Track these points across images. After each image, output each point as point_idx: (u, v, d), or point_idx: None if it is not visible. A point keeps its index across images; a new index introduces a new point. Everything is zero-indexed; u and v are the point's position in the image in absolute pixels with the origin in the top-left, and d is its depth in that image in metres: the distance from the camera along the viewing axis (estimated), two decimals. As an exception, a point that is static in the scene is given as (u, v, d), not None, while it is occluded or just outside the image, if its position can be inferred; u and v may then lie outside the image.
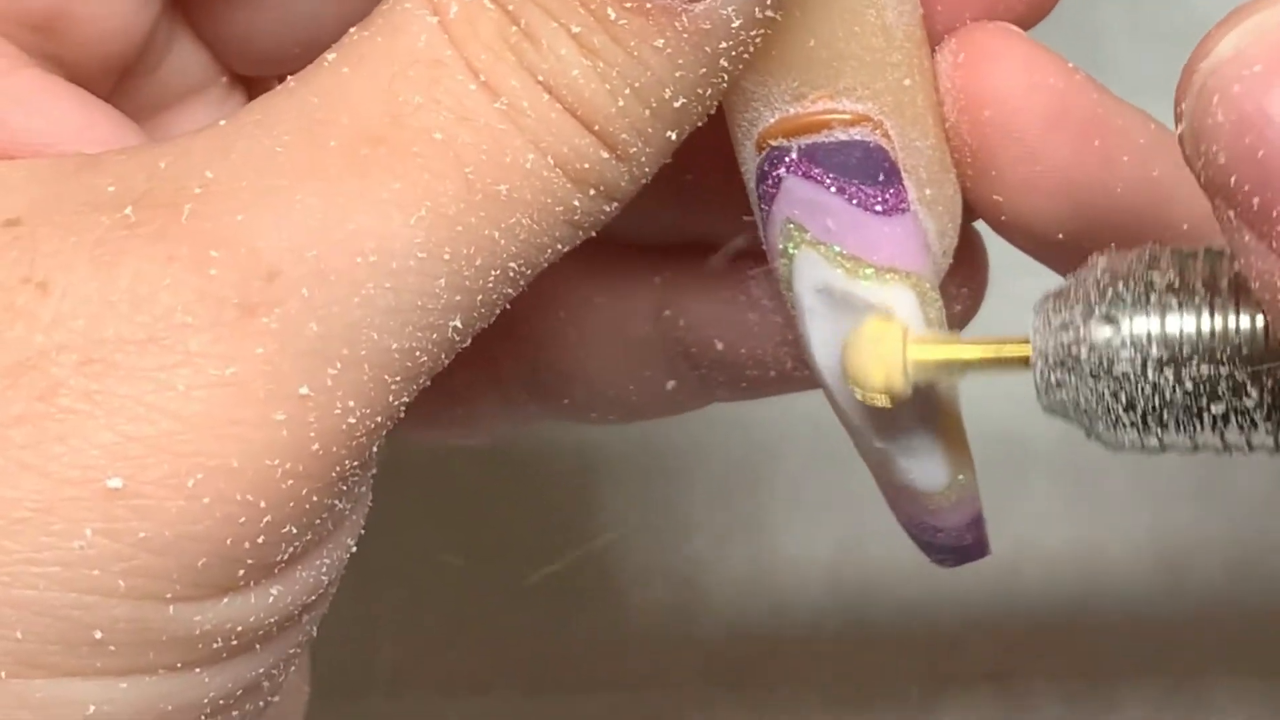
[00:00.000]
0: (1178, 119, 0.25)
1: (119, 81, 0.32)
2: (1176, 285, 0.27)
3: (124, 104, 0.32)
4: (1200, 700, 0.50)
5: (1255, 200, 0.23)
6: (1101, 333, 0.27)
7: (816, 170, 0.29)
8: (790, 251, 0.29)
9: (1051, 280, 0.31)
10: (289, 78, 0.27)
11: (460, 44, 0.26)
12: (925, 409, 0.30)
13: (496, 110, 0.26)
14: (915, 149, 0.30)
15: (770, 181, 0.29)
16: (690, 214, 0.34)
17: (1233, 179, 0.24)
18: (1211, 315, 0.26)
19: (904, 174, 0.29)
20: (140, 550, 0.25)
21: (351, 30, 0.27)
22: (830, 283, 0.29)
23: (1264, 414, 0.26)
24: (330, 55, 0.27)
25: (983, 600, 0.50)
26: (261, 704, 0.29)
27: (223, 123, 0.27)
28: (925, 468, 0.31)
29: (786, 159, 0.29)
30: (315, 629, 0.29)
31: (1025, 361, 0.28)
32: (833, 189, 0.29)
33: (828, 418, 0.32)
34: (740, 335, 0.34)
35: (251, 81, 0.34)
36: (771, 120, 0.29)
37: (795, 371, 0.34)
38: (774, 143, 0.29)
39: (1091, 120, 0.30)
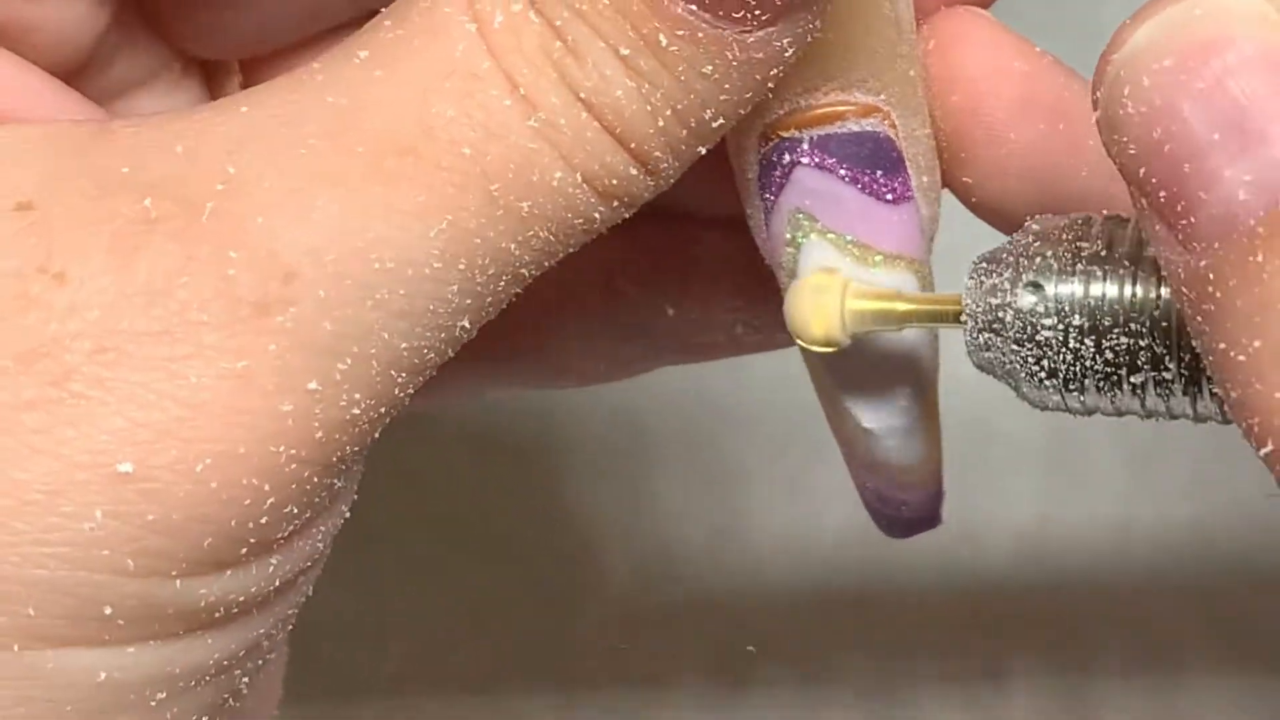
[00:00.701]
0: (1095, 106, 0.25)
1: (72, 77, 0.32)
2: (1103, 255, 0.27)
3: (83, 90, 0.32)
4: (1189, 694, 0.50)
5: (1163, 193, 0.24)
6: (1026, 299, 0.27)
7: (830, 160, 0.29)
8: (799, 240, 0.30)
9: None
10: (313, 65, 0.27)
11: (500, 55, 0.26)
12: (914, 386, 0.31)
13: (529, 128, 0.26)
14: (916, 138, 0.30)
15: (779, 171, 0.29)
16: None
17: (1142, 170, 0.24)
18: (1134, 286, 0.26)
19: (907, 162, 0.30)
20: (148, 532, 0.26)
21: (385, 23, 0.27)
22: (839, 270, 0.29)
23: (1181, 386, 0.27)
24: (362, 52, 0.27)
25: (980, 596, 0.50)
26: (261, 661, 0.29)
27: (244, 109, 0.27)
28: (906, 444, 0.32)
29: (798, 149, 0.29)
30: (311, 589, 0.30)
31: (958, 318, 0.28)
32: (846, 179, 0.29)
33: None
34: (690, 301, 0.34)
35: (207, 63, 0.34)
36: (781, 112, 0.29)
37: (745, 336, 0.35)
38: (785, 134, 0.29)
39: (1058, 104, 0.30)
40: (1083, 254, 0.27)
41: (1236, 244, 0.23)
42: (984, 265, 0.28)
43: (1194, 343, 0.24)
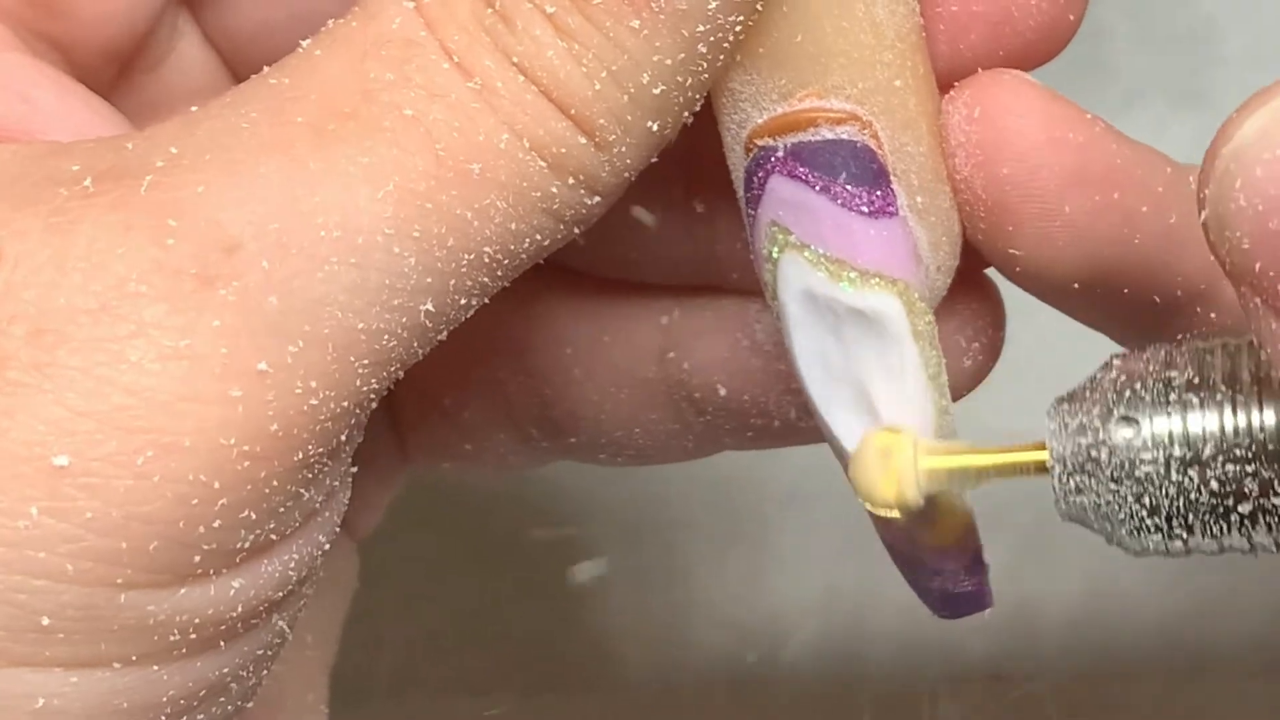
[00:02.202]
0: (1201, 205, 0.24)
1: (120, 75, 0.31)
2: (1196, 382, 0.26)
3: (125, 100, 0.32)
4: (1201, 700, 0.50)
5: None
6: (1122, 434, 0.26)
7: (802, 169, 0.28)
8: (775, 256, 0.29)
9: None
10: (265, 67, 0.27)
11: (435, 25, 0.26)
12: None
13: (470, 89, 0.26)
14: (906, 153, 0.29)
15: (756, 183, 0.29)
16: (696, 252, 0.33)
17: (1258, 265, 0.23)
18: (1234, 411, 0.25)
19: (894, 178, 0.29)
20: (87, 531, 0.24)
21: (329, 21, 0.27)
22: (813, 288, 0.28)
23: None
24: (304, 42, 0.27)
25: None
26: (230, 708, 0.28)
27: (194, 108, 0.27)
28: (928, 519, 0.30)
29: (772, 158, 0.28)
30: (291, 630, 0.28)
31: (1041, 467, 0.27)
32: (817, 188, 0.28)
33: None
34: (743, 381, 0.33)
35: None
36: (760, 121, 0.28)
37: (800, 422, 0.33)
38: (761, 143, 0.28)
39: (1111, 173, 0.29)
40: (1174, 383, 0.26)
41: None
42: (1066, 406, 0.27)
43: None
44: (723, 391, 0.33)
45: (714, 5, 0.26)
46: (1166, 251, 0.29)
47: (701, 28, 0.26)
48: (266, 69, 0.27)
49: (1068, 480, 0.27)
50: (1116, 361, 0.27)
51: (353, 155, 0.25)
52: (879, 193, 0.28)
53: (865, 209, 0.28)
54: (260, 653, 0.28)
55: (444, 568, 0.52)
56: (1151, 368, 0.26)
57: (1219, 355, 0.26)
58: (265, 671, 0.28)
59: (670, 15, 0.26)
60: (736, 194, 0.30)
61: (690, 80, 0.26)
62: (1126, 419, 0.26)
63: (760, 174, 0.29)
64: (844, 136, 0.28)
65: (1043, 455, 0.27)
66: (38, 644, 0.25)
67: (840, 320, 0.29)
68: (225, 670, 0.27)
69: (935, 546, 0.30)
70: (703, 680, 0.51)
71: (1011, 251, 0.29)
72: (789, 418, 0.33)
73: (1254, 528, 0.26)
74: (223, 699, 0.27)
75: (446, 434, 0.32)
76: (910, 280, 0.29)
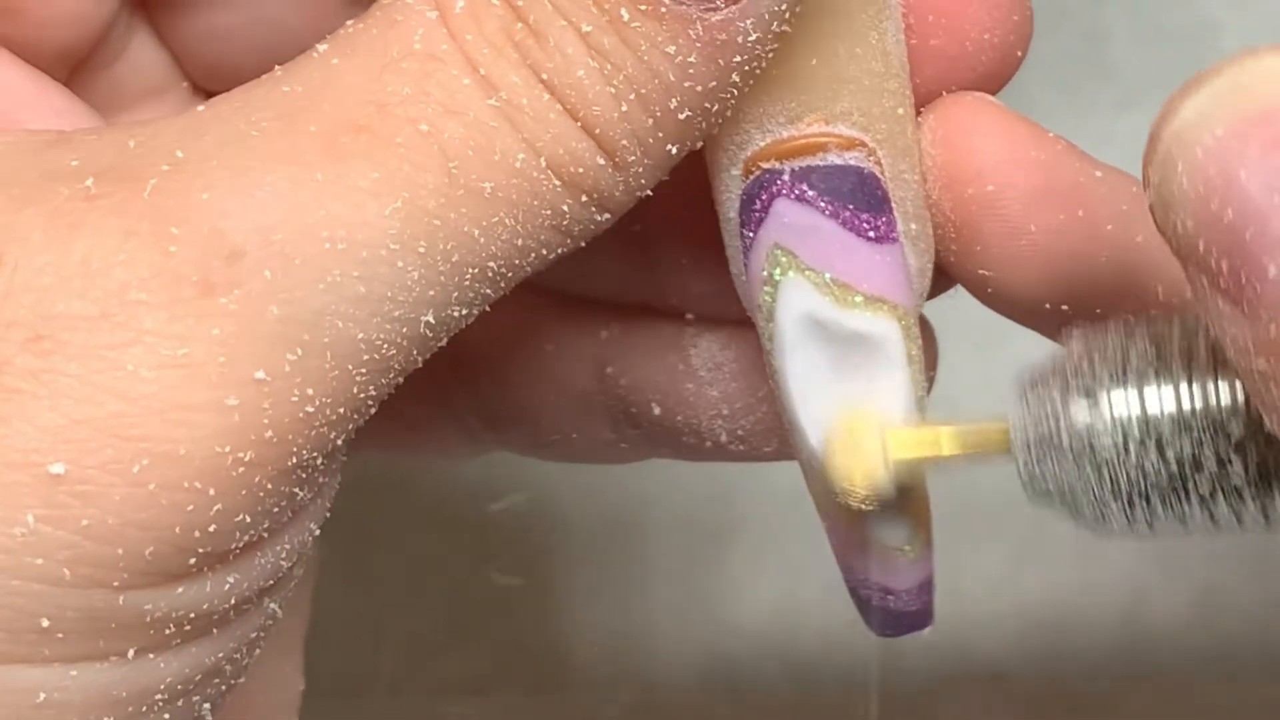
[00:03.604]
0: (1146, 187, 0.24)
1: (74, 73, 0.31)
2: (1154, 359, 0.26)
3: (80, 97, 0.31)
4: (1202, 700, 0.50)
5: (1225, 265, 0.23)
6: (1081, 415, 0.26)
7: (810, 193, 0.28)
8: (776, 278, 0.28)
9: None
10: (275, 67, 0.27)
11: (460, 38, 0.26)
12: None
13: (489, 107, 0.25)
14: (904, 181, 0.29)
15: (758, 205, 0.28)
16: (636, 270, 0.34)
17: (1201, 245, 0.23)
18: (1190, 388, 0.25)
19: (894, 205, 0.29)
20: (84, 538, 0.24)
21: (348, 23, 0.27)
22: (816, 311, 0.28)
23: (1251, 489, 0.25)
24: (321, 46, 0.26)
25: (983, 600, 0.50)
26: (224, 687, 0.28)
27: (201, 108, 0.27)
28: (892, 519, 0.30)
29: (778, 181, 0.28)
30: (282, 611, 0.28)
31: (1008, 448, 0.27)
32: (826, 212, 0.28)
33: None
34: (676, 403, 0.34)
35: (214, 95, 0.33)
36: (763, 143, 0.28)
37: (730, 445, 0.34)
38: (765, 165, 0.28)
39: (1075, 190, 0.29)
40: (1132, 362, 0.26)
41: None
42: (1029, 385, 0.27)
43: (1266, 421, 0.23)
44: (656, 410, 0.34)
45: (754, 37, 0.26)
46: (1136, 268, 0.30)
47: (739, 58, 0.26)
48: (278, 70, 0.27)
49: (1031, 461, 0.26)
50: (1076, 339, 0.27)
51: (363, 169, 0.25)
52: (884, 219, 0.29)
53: (872, 234, 0.28)
54: (254, 635, 0.28)
55: (444, 568, 0.52)
56: (1111, 345, 0.26)
57: (1175, 332, 0.26)
58: (258, 651, 0.28)
59: (708, 44, 0.26)
60: (719, 212, 0.29)
61: (717, 107, 0.26)
62: (1086, 399, 0.26)
63: (764, 196, 0.28)
64: (852, 162, 0.28)
65: (1006, 435, 0.27)
66: (37, 644, 0.25)
67: (838, 343, 0.29)
68: (220, 654, 0.27)
69: (896, 567, 0.31)
70: (703, 680, 0.51)
71: (981, 272, 0.30)
72: (720, 440, 0.34)
73: (1214, 503, 0.26)
74: (217, 680, 0.27)
75: (389, 424, 0.32)
76: (908, 306, 0.29)
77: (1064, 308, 0.29)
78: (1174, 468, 0.26)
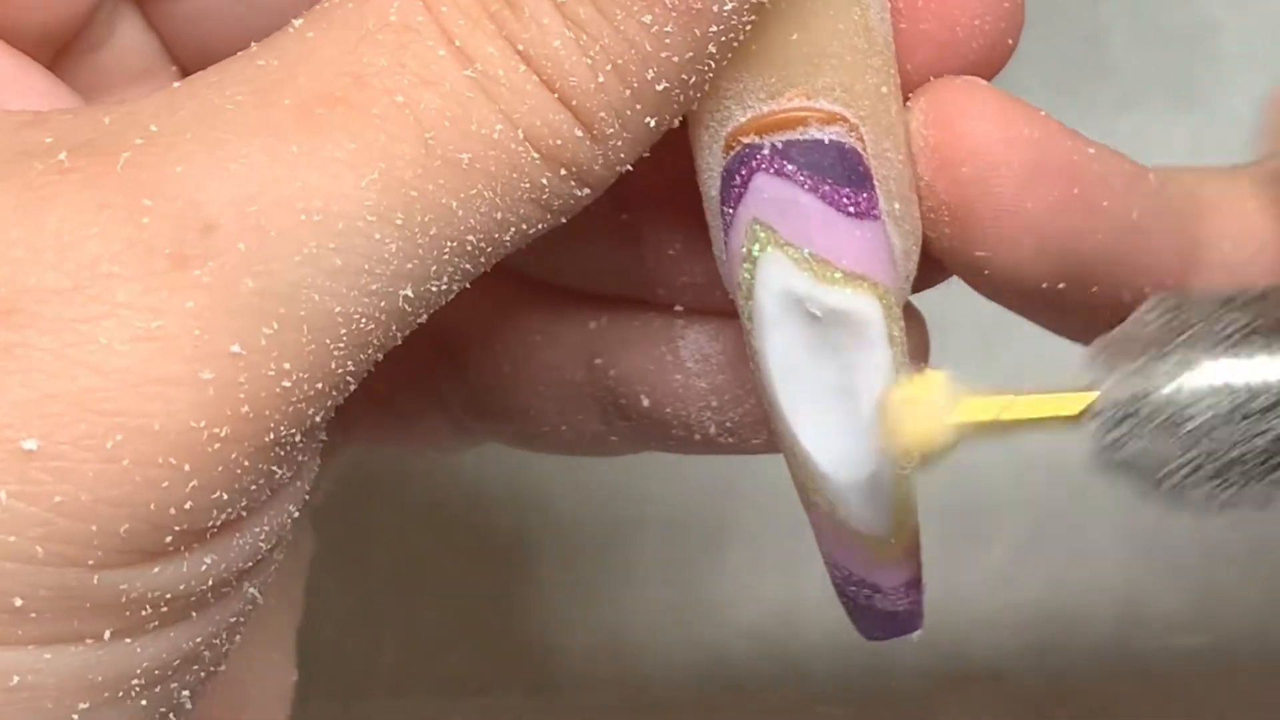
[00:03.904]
0: (1268, 156, 0.23)
1: (59, 57, 0.31)
2: (1252, 330, 0.25)
3: (65, 82, 0.31)
4: (1203, 700, 0.50)
5: None
6: (1172, 383, 0.25)
7: (790, 168, 0.28)
8: (755, 254, 0.28)
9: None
10: (251, 43, 0.27)
11: (435, 9, 0.25)
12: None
13: (466, 77, 0.25)
14: (887, 159, 0.29)
15: (738, 181, 0.28)
16: (624, 261, 0.33)
17: None
18: None
19: (876, 182, 0.28)
20: (57, 515, 0.24)
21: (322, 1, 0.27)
22: (795, 287, 0.28)
23: None
24: (297, 21, 0.26)
25: (983, 600, 0.50)
26: (203, 674, 0.28)
27: (177, 85, 0.27)
28: (876, 510, 0.29)
29: (758, 156, 0.28)
30: (262, 596, 0.28)
31: (1083, 416, 0.25)
32: (805, 186, 0.28)
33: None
34: (665, 394, 0.33)
35: None
36: (744, 118, 0.28)
37: (719, 438, 0.33)
38: (745, 140, 0.28)
39: (1069, 168, 0.29)
40: (1225, 330, 0.25)
41: None
42: (1112, 348, 0.26)
43: None
44: (645, 402, 0.34)
45: (729, 6, 0.26)
46: (1131, 246, 0.30)
47: (714, 28, 0.26)
48: (254, 45, 0.26)
49: (1113, 429, 0.25)
50: (1166, 302, 0.26)
51: (339, 140, 0.25)
52: (864, 195, 0.28)
53: (851, 210, 0.28)
54: (233, 620, 0.28)
55: (444, 567, 0.52)
56: (1204, 313, 0.25)
57: (1274, 302, 0.25)
58: (238, 636, 0.28)
59: (683, 13, 0.26)
60: (703, 191, 0.29)
61: (694, 79, 0.26)
62: (1177, 368, 0.25)
63: (743, 171, 0.28)
64: (832, 137, 0.28)
65: (1087, 401, 0.26)
66: (10, 624, 0.25)
67: (817, 322, 0.28)
68: (199, 639, 0.27)
69: (882, 561, 0.30)
70: (703, 679, 0.51)
71: (977, 254, 0.29)
72: (709, 433, 0.33)
73: None
74: (196, 666, 0.27)
75: (379, 417, 0.32)
76: (889, 285, 0.29)
77: (1060, 287, 0.29)
78: (1265, 444, 0.24)
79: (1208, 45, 0.51)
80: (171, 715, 0.27)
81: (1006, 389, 0.27)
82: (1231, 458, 0.25)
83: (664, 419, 0.34)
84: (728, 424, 0.33)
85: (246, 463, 0.25)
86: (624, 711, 0.51)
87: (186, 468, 0.25)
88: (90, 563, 0.25)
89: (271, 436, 0.25)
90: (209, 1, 0.32)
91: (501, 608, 0.52)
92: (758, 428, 0.33)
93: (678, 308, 0.33)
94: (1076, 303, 0.30)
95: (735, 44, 0.26)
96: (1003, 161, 0.29)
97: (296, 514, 0.28)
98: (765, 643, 0.51)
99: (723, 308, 0.31)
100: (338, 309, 0.25)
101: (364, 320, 0.26)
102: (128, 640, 0.26)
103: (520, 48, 0.25)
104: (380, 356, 0.26)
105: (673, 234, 0.33)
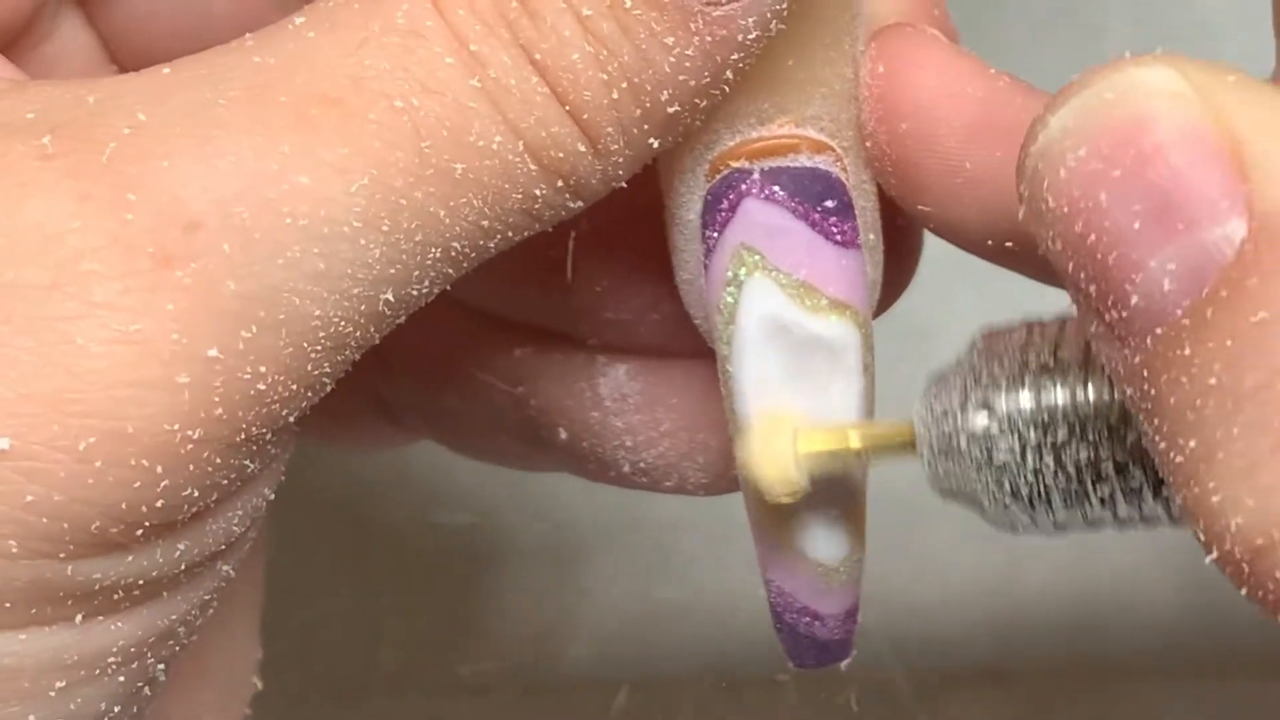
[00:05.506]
0: (1020, 201, 0.23)
1: (2, 52, 0.30)
2: (1050, 363, 0.25)
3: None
4: (1203, 700, 0.50)
5: (1093, 287, 0.22)
6: (978, 421, 0.26)
7: (780, 194, 0.28)
8: (741, 278, 0.28)
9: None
10: (246, 35, 0.26)
11: (449, 14, 0.25)
12: (836, 479, 0.29)
13: (471, 87, 0.25)
14: (864, 190, 0.29)
15: (725, 205, 0.28)
16: (551, 295, 0.33)
17: (1070, 265, 0.23)
18: (1085, 392, 0.25)
19: (856, 213, 0.28)
20: (29, 513, 0.24)
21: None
22: (780, 313, 0.28)
23: (1151, 491, 0.25)
24: (297, 19, 0.26)
25: (983, 600, 0.50)
26: (178, 647, 0.28)
27: (166, 70, 0.26)
28: (829, 537, 0.30)
29: (747, 181, 0.28)
30: (235, 572, 0.28)
31: (914, 448, 0.27)
32: (796, 213, 0.28)
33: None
34: (582, 430, 0.33)
35: None
36: (732, 143, 0.28)
37: (634, 476, 0.33)
38: (735, 164, 0.28)
39: (1013, 129, 0.27)
40: (1030, 365, 0.26)
41: (1165, 337, 0.22)
42: (932, 389, 0.26)
43: (1143, 439, 0.23)
44: (563, 435, 0.33)
45: (753, 35, 0.25)
46: None
47: (736, 55, 0.26)
48: (248, 38, 0.26)
49: (935, 464, 0.26)
50: (980, 342, 0.26)
51: (332, 143, 0.25)
52: (849, 224, 0.28)
53: (838, 238, 0.28)
54: (206, 597, 0.28)
55: (443, 568, 0.52)
56: (1011, 348, 0.26)
57: (1073, 334, 0.26)
58: (210, 611, 0.28)
59: (706, 39, 0.25)
60: (672, 215, 0.29)
61: (705, 103, 0.26)
62: (983, 404, 0.26)
63: (731, 195, 0.28)
64: (821, 166, 0.28)
65: (912, 436, 0.27)
66: None
67: (795, 348, 0.28)
68: (173, 617, 0.27)
69: (829, 588, 0.30)
70: (702, 679, 0.51)
71: (921, 208, 0.29)
72: (623, 471, 0.33)
73: (1115, 505, 0.25)
74: (170, 641, 0.27)
75: (325, 417, 0.32)
76: (867, 314, 0.29)
77: (1007, 244, 0.29)
78: (1071, 471, 0.25)
79: (1208, 45, 0.51)
80: (147, 689, 0.27)
81: (848, 424, 0.28)
82: (1038, 490, 0.25)
83: (581, 452, 0.34)
84: (641, 464, 0.33)
85: (218, 460, 0.25)
86: (625, 711, 0.51)
87: (159, 469, 0.25)
88: (62, 555, 0.25)
89: (243, 436, 0.25)
90: (149, 4, 0.31)
91: (501, 608, 0.52)
92: (669, 471, 0.33)
93: (596, 343, 0.33)
94: (1028, 257, 0.29)
95: (745, 70, 0.26)
96: (944, 119, 0.28)
97: (270, 495, 0.28)
98: (766, 642, 0.51)
99: (644, 348, 0.32)
100: (317, 313, 0.25)
101: (343, 323, 0.25)
102: (101, 619, 0.26)
103: (537, 57, 0.25)
104: (357, 357, 0.26)
105: (600, 270, 0.32)
